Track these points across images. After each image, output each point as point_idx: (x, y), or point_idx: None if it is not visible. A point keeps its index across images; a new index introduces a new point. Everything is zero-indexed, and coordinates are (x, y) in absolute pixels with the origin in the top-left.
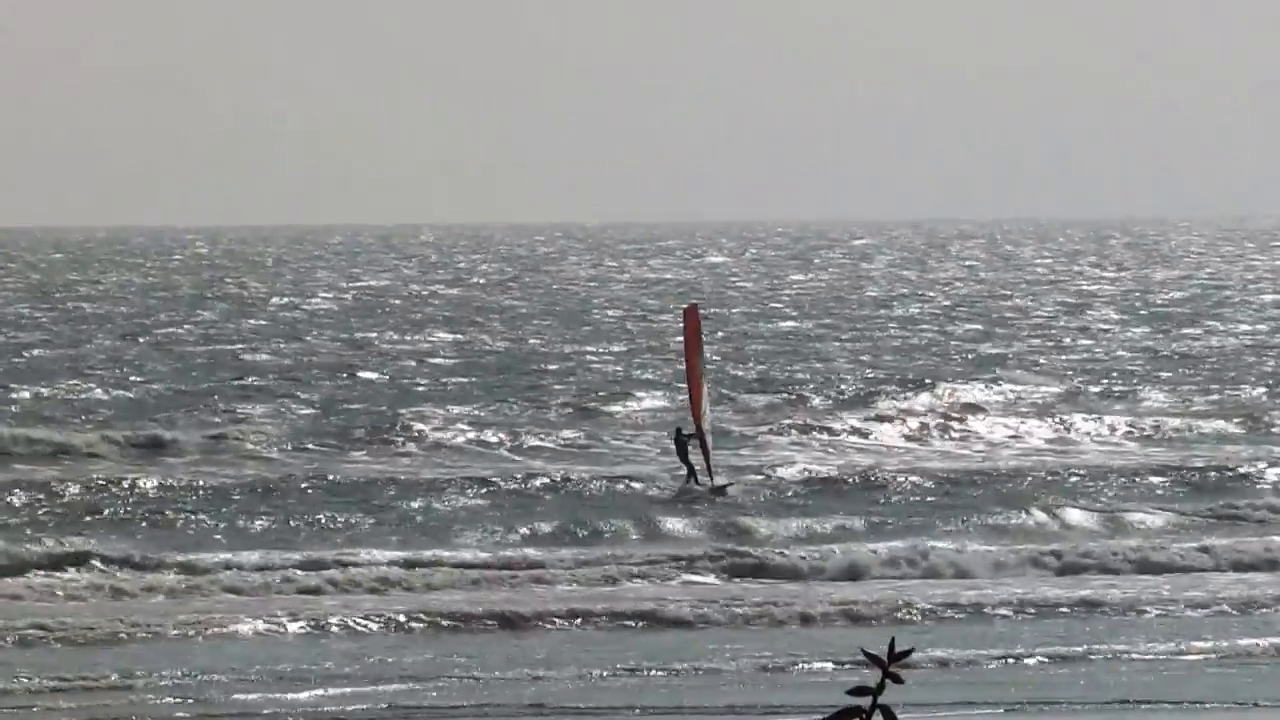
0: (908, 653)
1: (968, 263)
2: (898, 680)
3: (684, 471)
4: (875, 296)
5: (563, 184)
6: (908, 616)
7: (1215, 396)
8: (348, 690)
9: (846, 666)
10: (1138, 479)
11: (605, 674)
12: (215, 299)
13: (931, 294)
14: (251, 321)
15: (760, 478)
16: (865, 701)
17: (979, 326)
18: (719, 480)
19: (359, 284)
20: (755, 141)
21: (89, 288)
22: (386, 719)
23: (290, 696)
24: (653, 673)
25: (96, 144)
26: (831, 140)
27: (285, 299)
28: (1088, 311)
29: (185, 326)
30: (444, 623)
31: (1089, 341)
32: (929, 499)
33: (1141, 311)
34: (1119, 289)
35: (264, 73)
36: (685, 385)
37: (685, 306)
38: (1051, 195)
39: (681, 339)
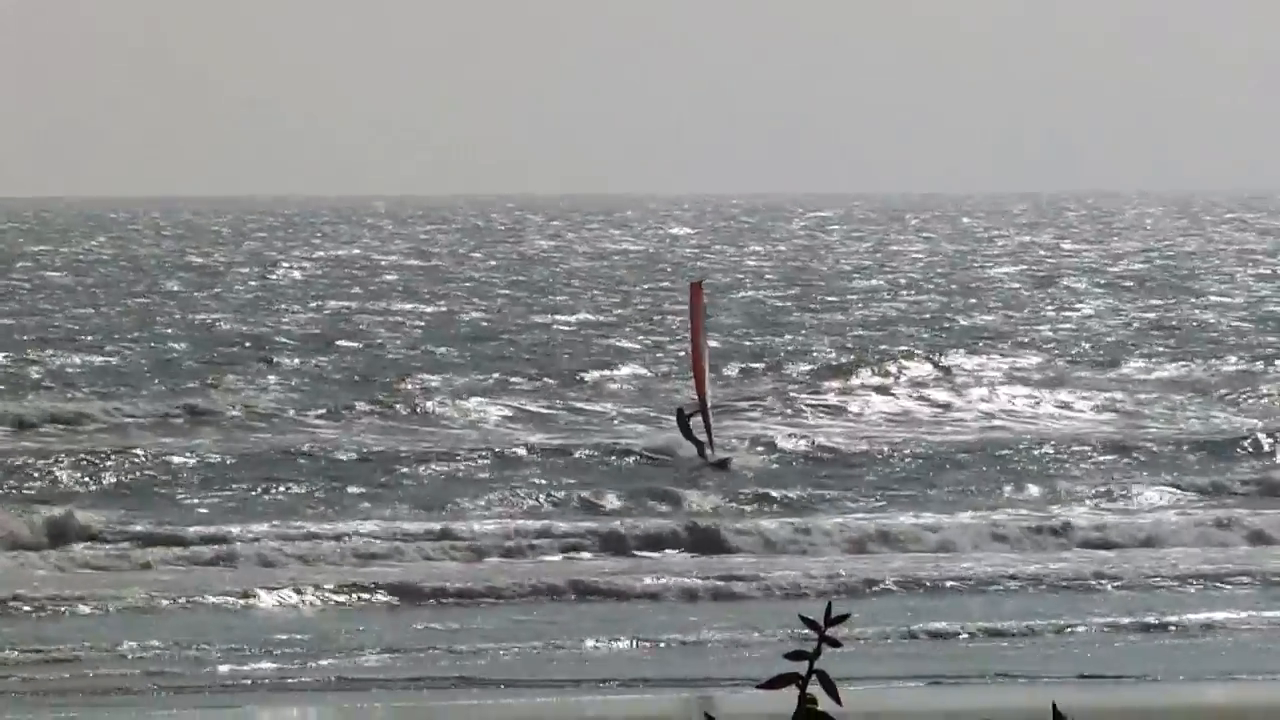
0: (844, 617)
1: (925, 234)
2: (835, 644)
3: (693, 449)
4: (842, 269)
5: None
6: (881, 588)
7: (1193, 366)
8: (301, 664)
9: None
10: (1115, 450)
11: (559, 646)
12: (178, 268)
13: (895, 264)
14: (221, 290)
15: (736, 443)
16: (801, 667)
17: (950, 298)
18: (721, 455)
19: (322, 254)
20: (717, 117)
21: (50, 258)
22: (336, 690)
23: (249, 668)
24: (608, 644)
25: (71, 115)
26: (806, 118)
27: (254, 269)
28: (1061, 282)
29: (154, 296)
30: (403, 595)
31: (1066, 312)
32: (905, 471)
33: (1115, 282)
34: (1084, 261)
35: (264, 61)
36: (674, 356)
37: (692, 281)
38: (1046, 179)
39: (680, 314)
